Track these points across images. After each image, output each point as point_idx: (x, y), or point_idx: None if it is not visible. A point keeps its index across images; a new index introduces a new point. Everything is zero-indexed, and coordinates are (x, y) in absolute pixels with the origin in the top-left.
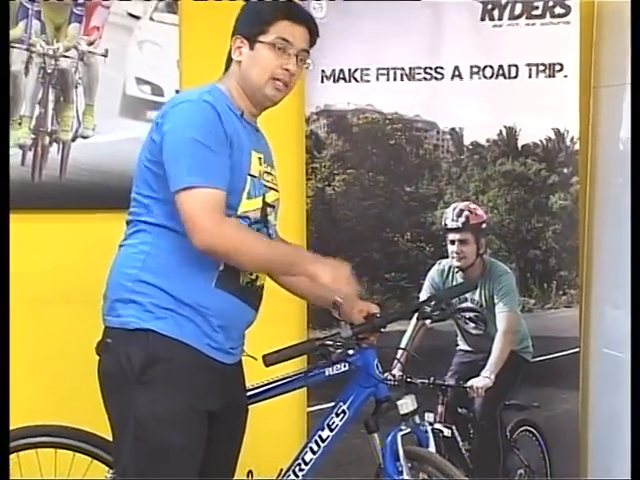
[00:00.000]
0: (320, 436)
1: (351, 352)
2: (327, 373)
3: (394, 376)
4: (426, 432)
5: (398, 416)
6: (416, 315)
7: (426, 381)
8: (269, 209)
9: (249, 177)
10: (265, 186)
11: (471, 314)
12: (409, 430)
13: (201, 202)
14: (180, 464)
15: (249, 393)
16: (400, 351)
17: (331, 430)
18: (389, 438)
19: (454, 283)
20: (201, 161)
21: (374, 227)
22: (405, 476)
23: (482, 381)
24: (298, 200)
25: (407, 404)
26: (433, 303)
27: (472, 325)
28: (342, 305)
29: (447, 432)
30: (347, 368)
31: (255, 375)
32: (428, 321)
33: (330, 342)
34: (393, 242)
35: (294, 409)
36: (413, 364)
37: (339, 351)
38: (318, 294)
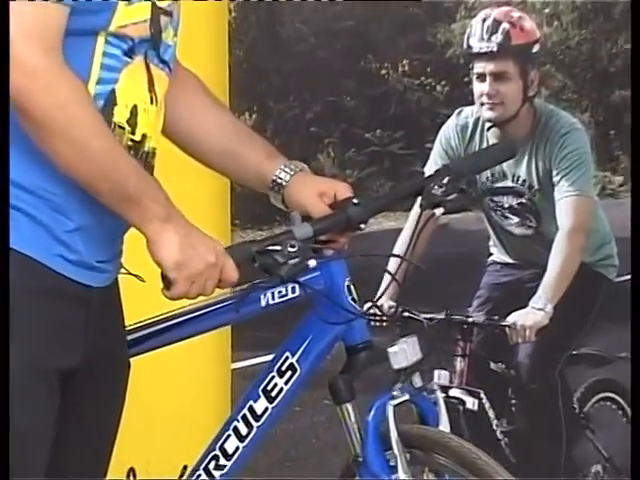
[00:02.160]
0: (252, 410)
1: (313, 264)
2: (264, 302)
3: (380, 307)
4: (435, 402)
5: (388, 374)
6: (419, 201)
7: (437, 316)
8: (164, 19)
9: None
10: None
11: (513, 201)
12: (406, 398)
13: (26, 23)
14: (17, 452)
15: (131, 337)
16: (392, 262)
17: (271, 400)
18: (373, 412)
19: (483, 146)
20: None
21: (347, 51)
22: (401, 474)
23: (532, 316)
24: (213, 4)
25: (404, 354)
26: (447, 180)
27: (515, 220)
28: (291, 185)
29: (471, 403)
30: (297, 294)
31: (142, 308)
32: (439, 211)
33: (276, 247)
34: (379, 77)
35: (210, 365)
36: (415, 286)
37: (293, 262)
38: (250, 168)
